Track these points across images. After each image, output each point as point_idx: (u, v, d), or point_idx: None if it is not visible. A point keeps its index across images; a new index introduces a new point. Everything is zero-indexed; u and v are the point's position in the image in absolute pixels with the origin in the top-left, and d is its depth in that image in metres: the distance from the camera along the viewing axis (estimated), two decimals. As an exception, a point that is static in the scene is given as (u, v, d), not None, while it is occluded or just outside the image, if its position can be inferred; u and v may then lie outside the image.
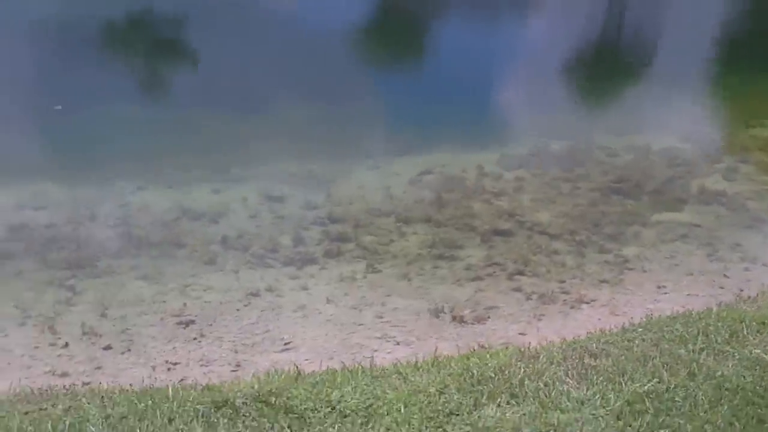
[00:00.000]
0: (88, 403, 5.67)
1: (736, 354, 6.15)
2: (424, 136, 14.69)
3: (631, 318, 7.60)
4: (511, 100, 17.37)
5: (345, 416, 5.47)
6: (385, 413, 5.50)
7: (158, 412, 5.44)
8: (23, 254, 10.34)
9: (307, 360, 7.90)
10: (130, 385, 6.52)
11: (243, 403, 5.60)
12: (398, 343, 8.54)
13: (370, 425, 5.35)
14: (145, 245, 10.66)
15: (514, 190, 12.56)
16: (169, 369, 8.01)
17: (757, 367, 5.95)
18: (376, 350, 8.33)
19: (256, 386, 5.93)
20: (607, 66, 22.26)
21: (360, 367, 6.46)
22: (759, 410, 5.46)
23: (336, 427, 5.30)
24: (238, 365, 8.10)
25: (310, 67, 19.29)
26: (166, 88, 19.21)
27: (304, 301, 9.47)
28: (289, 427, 5.30)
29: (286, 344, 8.58)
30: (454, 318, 9.04)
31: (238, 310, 9.26)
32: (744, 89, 18.94)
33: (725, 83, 20.22)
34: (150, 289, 9.66)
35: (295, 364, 6.66)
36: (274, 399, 5.65)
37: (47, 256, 10.30)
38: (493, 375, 5.93)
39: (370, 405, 5.61)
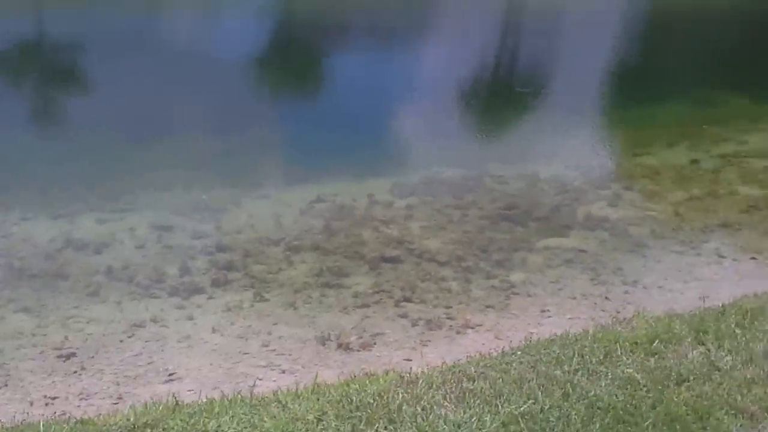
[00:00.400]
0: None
1: (609, 374, 6.30)
2: (317, 166, 14.73)
3: (511, 342, 7.71)
4: (406, 130, 17.53)
5: (220, 446, 5.42)
6: (262, 442, 5.47)
7: (27, 449, 5.30)
8: None
9: (190, 391, 7.77)
10: (1, 421, 6.35)
11: (116, 436, 5.50)
12: (283, 372, 8.49)
13: (246, 454, 5.30)
14: (27, 277, 10.40)
15: (404, 218, 12.65)
16: (47, 404, 7.79)
17: (629, 386, 6.10)
18: (260, 379, 8.26)
19: (132, 418, 5.83)
20: (500, 96, 22.66)
21: (239, 396, 6.40)
22: (629, 428, 5.60)
23: (211, 457, 5.24)
24: (119, 398, 7.93)
25: (206, 97, 19.17)
26: (58, 116, 18.86)
27: (189, 332, 9.34)
28: (163, 459, 5.22)
29: (170, 375, 8.45)
30: (339, 345, 9.03)
31: (121, 341, 9.08)
32: (632, 119, 19.54)
33: (615, 113, 20.84)
34: (30, 322, 9.40)
35: (173, 395, 6.55)
36: (149, 431, 5.56)
37: None
38: (372, 401, 5.94)
39: (247, 434, 5.57)
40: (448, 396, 5.95)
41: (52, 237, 11.43)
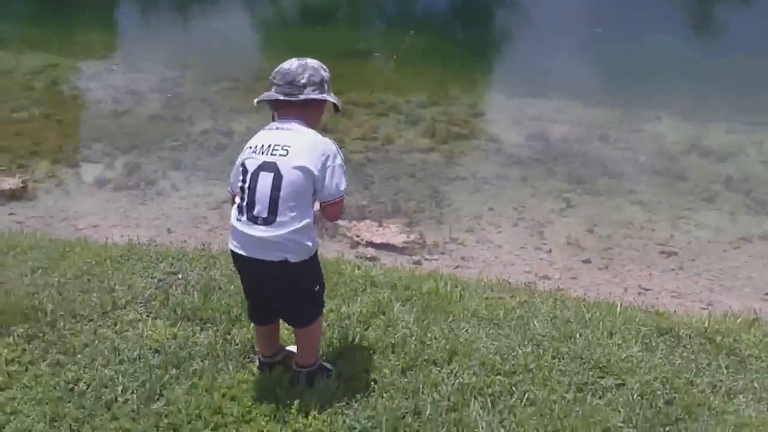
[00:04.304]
0: (541, 302, 6.06)
1: None
2: None
3: None
4: None
5: (789, 371, 5.27)
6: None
7: (601, 324, 5.66)
8: (533, 162, 11.00)
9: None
10: (585, 294, 6.83)
11: (687, 335, 5.62)
12: None
13: (816, 386, 5.10)
14: (648, 173, 10.78)
15: None
16: (639, 293, 8.07)
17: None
18: None
19: (706, 323, 5.89)
20: None
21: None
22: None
23: (775, 379, 5.13)
24: (709, 304, 7.91)
25: None
26: (716, 26, 18.89)
27: (798, 256, 9.00)
28: (727, 367, 5.23)
29: (766, 294, 8.25)
30: None
31: (724, 251, 9.06)
32: None
33: None
34: (642, 215, 9.77)
35: (754, 310, 6.47)
36: (719, 338, 5.59)
37: (554, 167, 10.85)
38: None
39: (825, 367, 5.33)
40: None
41: (679, 139, 11.65)
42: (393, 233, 8.91)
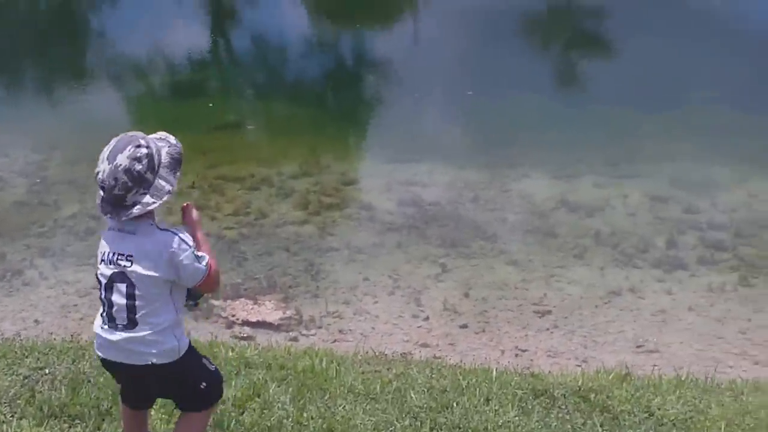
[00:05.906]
0: (418, 373, 6.04)
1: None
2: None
3: None
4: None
5: (661, 424, 5.37)
6: (705, 429, 5.31)
7: (477, 391, 5.67)
8: (406, 228, 11.06)
9: (656, 366, 7.68)
10: (462, 361, 6.86)
11: (562, 395, 5.68)
12: (757, 363, 8.07)
13: (685, 438, 5.20)
14: (519, 232, 10.95)
15: None
16: (516, 355, 8.19)
17: None
18: (731, 366, 7.94)
19: (580, 381, 5.97)
20: None
21: (692, 378, 6.27)
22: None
23: (648, 434, 5.21)
24: (584, 361, 8.05)
25: (732, 70, 18.35)
26: (576, 81, 19.42)
27: (665, 306, 9.23)
28: (601, 425, 5.30)
29: (638, 347, 8.45)
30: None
31: (596, 306, 9.24)
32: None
33: None
34: (516, 276, 9.91)
35: (625, 365, 6.59)
36: (593, 396, 5.67)
37: (427, 232, 10.93)
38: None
39: (690, 418, 5.45)
40: None
41: (548, 196, 11.88)
42: (269, 310, 8.81)
